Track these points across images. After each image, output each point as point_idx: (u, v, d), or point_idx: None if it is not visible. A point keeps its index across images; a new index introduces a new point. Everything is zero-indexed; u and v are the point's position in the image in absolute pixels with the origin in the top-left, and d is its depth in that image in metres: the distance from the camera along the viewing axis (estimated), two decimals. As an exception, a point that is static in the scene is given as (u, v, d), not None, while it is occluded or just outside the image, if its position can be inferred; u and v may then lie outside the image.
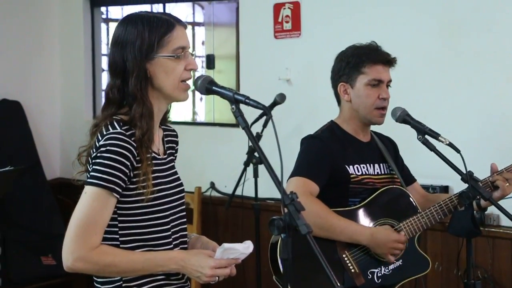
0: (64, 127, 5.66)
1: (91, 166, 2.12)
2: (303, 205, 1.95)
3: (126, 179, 2.10)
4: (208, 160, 4.95)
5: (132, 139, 2.11)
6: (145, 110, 2.13)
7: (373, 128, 3.02)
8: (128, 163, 2.09)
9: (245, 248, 2.12)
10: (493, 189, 2.83)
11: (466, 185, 2.71)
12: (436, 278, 4.00)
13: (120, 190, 2.10)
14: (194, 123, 5.55)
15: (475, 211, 3.72)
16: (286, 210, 1.92)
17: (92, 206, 2.07)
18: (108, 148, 2.09)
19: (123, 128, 2.12)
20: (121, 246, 2.13)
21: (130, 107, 2.15)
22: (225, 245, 2.10)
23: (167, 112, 2.30)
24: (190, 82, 2.22)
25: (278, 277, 2.73)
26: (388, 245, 2.75)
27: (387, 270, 2.82)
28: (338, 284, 1.84)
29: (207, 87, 2.16)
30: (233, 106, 2.10)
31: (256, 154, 4.03)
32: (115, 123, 2.13)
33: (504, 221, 3.83)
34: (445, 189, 3.93)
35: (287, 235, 1.93)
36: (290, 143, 3.43)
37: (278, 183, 1.95)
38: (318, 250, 1.89)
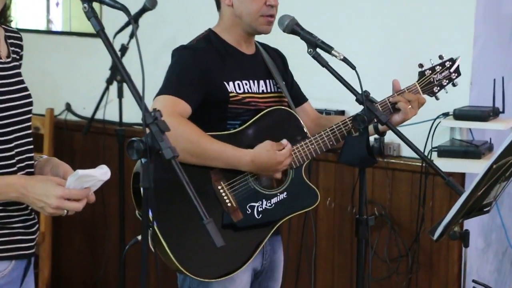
0: None
1: None
2: (171, 128, 1.96)
3: None
4: (64, 77, 4.89)
5: None
6: None
7: (259, 38, 3.02)
8: None
9: (103, 174, 2.10)
10: (394, 112, 2.90)
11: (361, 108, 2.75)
12: (327, 216, 4.13)
13: None
14: (48, 32, 5.39)
15: (374, 138, 3.87)
16: (148, 130, 1.93)
17: None
18: None
19: None
20: None
21: None
22: (79, 171, 2.06)
23: (6, 8, 2.23)
24: None
25: (141, 212, 2.73)
26: (272, 168, 2.79)
27: (269, 204, 2.85)
28: (207, 217, 1.86)
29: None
30: (85, 5, 2.05)
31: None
32: None
33: (405, 150, 3.96)
34: (340, 114, 4.03)
35: (148, 159, 1.93)
36: (163, 56, 3.41)
37: (139, 99, 1.94)
38: (185, 178, 1.90)
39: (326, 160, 4.01)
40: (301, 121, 2.96)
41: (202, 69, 2.82)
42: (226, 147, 2.76)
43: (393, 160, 3.97)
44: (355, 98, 2.77)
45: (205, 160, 2.74)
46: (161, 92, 2.79)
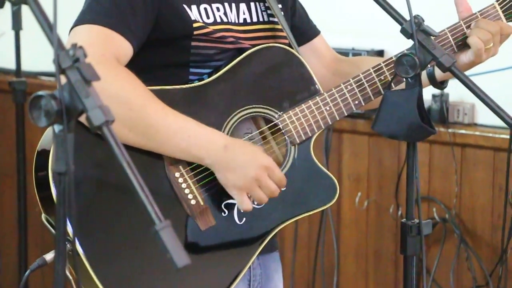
0: None
1: None
2: (100, 76, 1.94)
3: None
4: None
5: None
6: None
7: None
8: None
9: None
10: (459, 51, 2.89)
11: (410, 44, 2.73)
12: (357, 221, 4.14)
13: None
14: None
15: (433, 95, 3.84)
16: (65, 79, 1.92)
17: None
18: None
19: None
20: None
21: None
22: None
23: None
24: None
25: (49, 215, 2.72)
26: (251, 173, 2.74)
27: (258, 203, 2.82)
28: (161, 220, 1.85)
29: None
30: None
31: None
32: None
33: (483, 115, 4.02)
34: (377, 55, 4.08)
35: (65, 127, 1.92)
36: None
37: (48, 28, 1.95)
38: (124, 156, 1.89)
39: (353, 132, 4.01)
40: (308, 68, 2.95)
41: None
42: (187, 122, 2.73)
43: (462, 131, 4.02)
44: (400, 28, 2.73)
45: (152, 141, 2.72)
46: (82, 19, 2.75)
